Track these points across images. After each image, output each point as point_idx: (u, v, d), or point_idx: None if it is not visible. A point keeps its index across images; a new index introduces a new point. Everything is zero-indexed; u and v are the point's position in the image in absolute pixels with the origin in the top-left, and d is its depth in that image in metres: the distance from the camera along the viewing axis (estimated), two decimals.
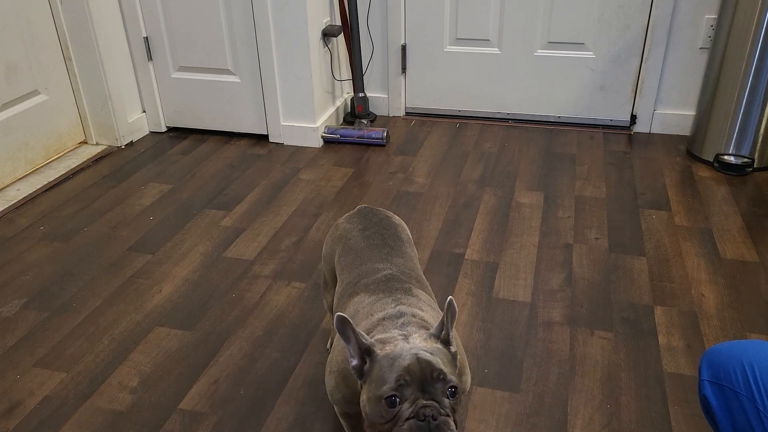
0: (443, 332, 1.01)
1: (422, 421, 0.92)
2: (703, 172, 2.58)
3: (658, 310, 1.82)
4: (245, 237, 2.22)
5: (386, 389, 0.93)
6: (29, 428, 1.49)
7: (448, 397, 0.95)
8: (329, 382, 1.17)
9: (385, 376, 0.94)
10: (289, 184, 2.57)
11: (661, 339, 1.71)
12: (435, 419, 0.92)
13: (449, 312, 0.99)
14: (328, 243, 1.48)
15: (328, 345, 1.70)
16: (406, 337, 1.00)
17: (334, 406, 1.25)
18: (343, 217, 1.49)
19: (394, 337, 1.01)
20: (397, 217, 1.49)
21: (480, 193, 2.46)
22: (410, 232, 1.56)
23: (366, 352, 0.98)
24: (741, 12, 2.39)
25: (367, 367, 0.98)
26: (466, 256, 2.08)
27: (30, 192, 2.52)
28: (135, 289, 1.96)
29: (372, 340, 0.99)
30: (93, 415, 1.52)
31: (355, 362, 0.99)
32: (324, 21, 2.84)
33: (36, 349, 1.73)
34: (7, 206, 2.43)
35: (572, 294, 1.89)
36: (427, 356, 0.95)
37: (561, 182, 2.53)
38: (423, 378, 0.93)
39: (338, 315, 0.95)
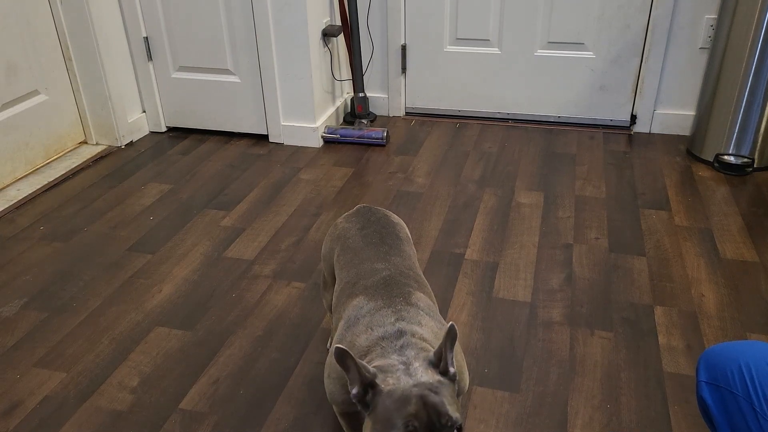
0: (442, 363, 0.98)
1: None
2: (703, 172, 2.58)
3: (658, 310, 1.82)
4: (245, 237, 2.22)
5: None
6: (29, 428, 1.49)
7: None
8: (329, 386, 1.16)
9: (393, 419, 0.92)
10: (289, 184, 2.57)
11: (661, 339, 1.71)
12: None
13: (448, 338, 0.97)
14: (327, 242, 1.48)
15: (328, 345, 1.70)
16: (407, 366, 0.98)
17: (333, 406, 1.25)
18: (342, 216, 1.49)
19: (394, 365, 0.98)
20: (396, 216, 1.49)
21: (480, 193, 2.46)
22: (410, 232, 1.57)
23: (369, 386, 0.95)
24: (741, 12, 2.39)
25: (369, 398, 0.96)
26: (466, 256, 2.08)
27: (30, 192, 2.52)
28: (135, 289, 1.96)
29: (374, 370, 0.97)
30: (93, 415, 1.52)
31: (356, 391, 0.96)
32: (324, 21, 2.84)
33: (36, 349, 1.73)
34: (7, 206, 2.43)
35: (572, 294, 1.89)
36: (434, 398, 0.93)
37: (561, 182, 2.53)
38: (430, 423, 0.92)
39: (337, 347, 0.93)
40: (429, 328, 1.12)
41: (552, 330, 1.75)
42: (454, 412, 0.94)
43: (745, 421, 0.96)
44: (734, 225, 2.21)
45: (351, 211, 1.49)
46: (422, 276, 1.34)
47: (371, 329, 1.10)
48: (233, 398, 1.56)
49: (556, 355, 1.67)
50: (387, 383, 0.95)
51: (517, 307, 1.84)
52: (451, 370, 0.99)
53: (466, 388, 1.22)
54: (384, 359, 1.01)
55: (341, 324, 1.20)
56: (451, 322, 0.97)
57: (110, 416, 1.51)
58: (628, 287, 1.91)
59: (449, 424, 0.92)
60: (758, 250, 2.07)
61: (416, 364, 0.98)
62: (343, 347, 0.93)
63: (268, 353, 1.70)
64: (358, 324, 1.15)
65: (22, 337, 1.77)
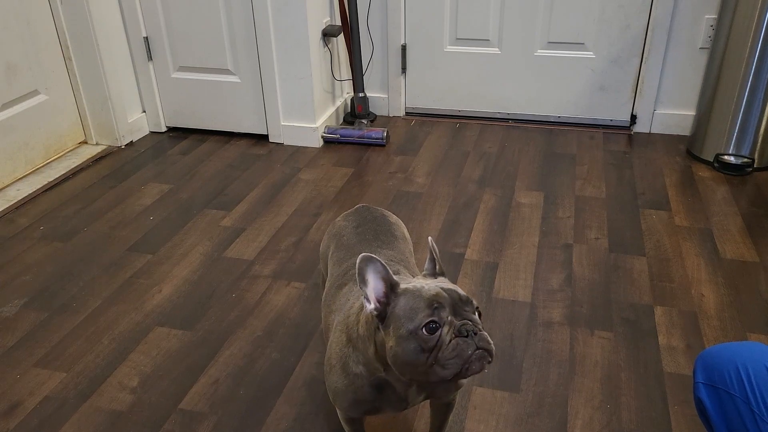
0: (437, 267, 1.05)
1: (466, 336, 0.94)
2: (703, 172, 2.58)
3: (658, 310, 1.82)
4: (245, 237, 2.22)
5: (422, 317, 0.94)
6: (29, 428, 1.49)
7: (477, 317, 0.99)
8: (332, 380, 1.13)
9: (416, 306, 0.95)
10: (289, 184, 2.57)
11: (661, 339, 1.71)
12: (476, 334, 0.95)
13: (433, 249, 1.06)
14: (324, 241, 1.48)
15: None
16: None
17: (338, 412, 1.24)
18: (341, 215, 1.49)
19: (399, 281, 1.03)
20: (395, 217, 1.49)
21: (480, 193, 2.46)
22: (410, 232, 1.57)
23: (390, 287, 0.98)
24: (741, 12, 2.39)
25: (390, 308, 0.97)
26: (466, 256, 2.08)
27: (30, 192, 2.52)
28: (135, 289, 1.96)
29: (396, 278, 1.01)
30: (93, 415, 1.52)
31: (373, 306, 0.97)
32: (324, 21, 2.84)
33: (36, 349, 1.73)
34: (7, 206, 2.43)
35: (572, 294, 1.89)
36: (450, 285, 0.99)
37: (561, 182, 2.53)
38: (453, 302, 0.96)
39: (363, 255, 0.96)
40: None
41: (552, 330, 1.75)
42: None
43: (743, 421, 0.96)
44: (734, 225, 2.21)
45: (350, 210, 1.50)
46: (417, 270, 1.34)
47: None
48: (233, 398, 1.56)
49: (556, 355, 1.67)
50: (404, 286, 0.99)
51: (517, 307, 1.84)
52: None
53: (464, 384, 1.22)
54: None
55: (338, 319, 1.19)
56: (429, 237, 1.09)
57: (110, 416, 1.51)
58: (628, 287, 1.91)
59: (469, 300, 0.98)
60: (758, 250, 2.07)
61: (418, 277, 1.07)
62: (371, 254, 0.97)
63: (268, 353, 1.70)
64: (348, 303, 1.17)
65: (22, 337, 1.77)
